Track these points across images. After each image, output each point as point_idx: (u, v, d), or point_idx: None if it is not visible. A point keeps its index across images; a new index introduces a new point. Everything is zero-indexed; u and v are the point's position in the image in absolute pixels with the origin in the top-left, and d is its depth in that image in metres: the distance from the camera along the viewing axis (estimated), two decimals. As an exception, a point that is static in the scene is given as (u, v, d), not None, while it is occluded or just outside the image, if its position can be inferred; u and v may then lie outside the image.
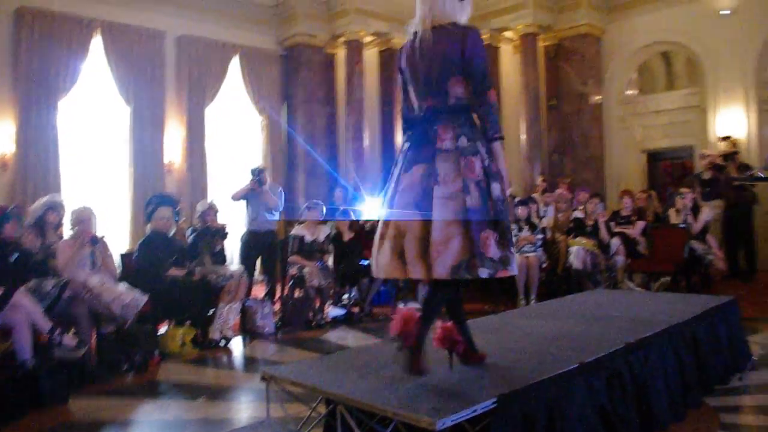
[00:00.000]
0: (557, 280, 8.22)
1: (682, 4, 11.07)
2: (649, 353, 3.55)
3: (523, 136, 11.70)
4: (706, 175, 9.50)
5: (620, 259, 8.13)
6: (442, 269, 2.77)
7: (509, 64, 12.68)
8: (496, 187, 2.91)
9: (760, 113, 10.46)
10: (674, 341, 3.87)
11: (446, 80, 2.96)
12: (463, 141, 2.90)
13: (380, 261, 2.98)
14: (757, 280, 8.86)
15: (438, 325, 3.12)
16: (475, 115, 3.00)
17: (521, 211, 8.08)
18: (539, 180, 10.74)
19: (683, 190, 8.62)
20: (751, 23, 10.36)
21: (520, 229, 7.95)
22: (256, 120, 11.66)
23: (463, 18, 3.06)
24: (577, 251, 7.95)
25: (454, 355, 3.12)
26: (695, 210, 8.34)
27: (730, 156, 9.49)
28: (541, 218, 8.80)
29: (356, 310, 7.72)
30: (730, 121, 10.60)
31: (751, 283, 8.81)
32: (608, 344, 3.38)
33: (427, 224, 2.81)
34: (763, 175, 8.78)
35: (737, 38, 10.50)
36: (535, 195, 9.86)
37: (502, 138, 2.99)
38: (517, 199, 8.60)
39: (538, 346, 3.44)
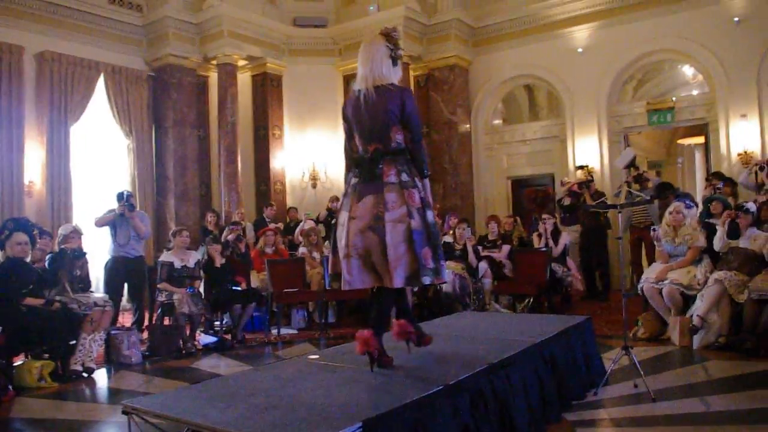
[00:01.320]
0: (428, 303, 8.41)
1: (543, 41, 11.79)
2: (511, 372, 3.70)
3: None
4: (566, 202, 10.12)
5: (487, 282, 8.45)
6: (399, 279, 3.44)
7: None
8: (430, 214, 3.59)
9: (610, 144, 11.28)
10: (534, 360, 4.06)
11: (389, 129, 3.58)
12: (404, 176, 3.57)
13: (354, 274, 3.53)
14: (611, 299, 9.45)
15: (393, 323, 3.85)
16: (408, 156, 3.65)
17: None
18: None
19: (545, 215, 9.09)
20: (603, 60, 11.19)
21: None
22: (124, 142, 11.21)
23: (396, 79, 3.69)
24: (447, 275, 8.18)
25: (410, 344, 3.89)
26: (556, 234, 8.82)
27: (586, 184, 10.12)
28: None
29: (228, 336, 7.56)
30: (586, 151, 11.37)
31: (605, 302, 9.39)
32: (473, 365, 3.51)
33: (383, 243, 3.43)
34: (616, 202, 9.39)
35: (591, 74, 11.30)
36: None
37: (429, 175, 3.78)
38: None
39: (406, 369, 3.52)
